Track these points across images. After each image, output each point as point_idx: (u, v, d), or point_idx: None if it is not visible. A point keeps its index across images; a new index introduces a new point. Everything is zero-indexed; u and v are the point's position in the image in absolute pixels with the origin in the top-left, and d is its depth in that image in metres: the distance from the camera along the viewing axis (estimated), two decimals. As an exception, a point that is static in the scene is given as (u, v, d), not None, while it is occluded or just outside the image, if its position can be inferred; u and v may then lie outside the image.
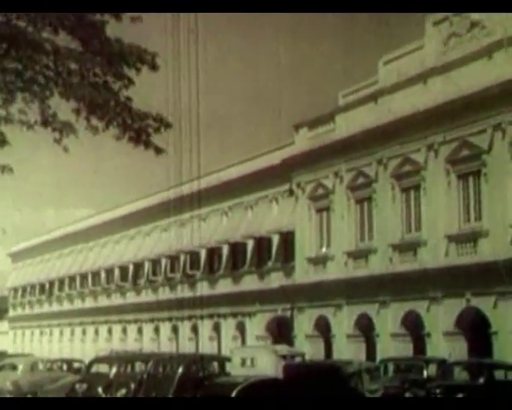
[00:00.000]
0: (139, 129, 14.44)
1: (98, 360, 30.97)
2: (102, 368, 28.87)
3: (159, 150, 14.73)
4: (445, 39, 29.69)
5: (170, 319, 46.35)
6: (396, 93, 31.57)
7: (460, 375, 24.64)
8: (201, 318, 43.54)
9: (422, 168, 30.40)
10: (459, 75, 28.76)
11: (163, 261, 47.75)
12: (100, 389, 26.00)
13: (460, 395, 21.81)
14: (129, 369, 28.40)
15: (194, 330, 44.45)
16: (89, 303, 56.50)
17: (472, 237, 28.36)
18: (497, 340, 27.02)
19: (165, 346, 45.54)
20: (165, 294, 47.41)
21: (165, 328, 46.94)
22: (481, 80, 27.53)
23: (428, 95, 30.02)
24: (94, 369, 29.34)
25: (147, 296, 49.36)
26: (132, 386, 25.71)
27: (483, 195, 28.13)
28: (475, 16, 28.43)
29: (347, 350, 32.61)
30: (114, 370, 27.39)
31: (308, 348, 34.32)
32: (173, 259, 46.75)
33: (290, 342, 35.07)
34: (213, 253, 43.63)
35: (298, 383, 20.86)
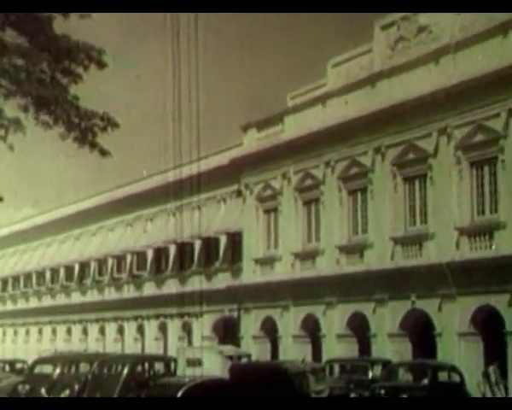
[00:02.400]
0: (85, 128, 14.30)
1: (42, 360, 30.56)
2: (46, 369, 28.50)
3: (104, 152, 14.61)
4: (393, 43, 30.00)
5: (115, 320, 46.01)
6: (344, 96, 31.78)
7: (404, 376, 24.88)
8: (148, 318, 43.31)
9: (369, 171, 30.66)
10: (406, 79, 29.08)
11: (109, 261, 47.35)
12: (43, 390, 25.68)
13: (404, 396, 22.01)
14: (73, 370, 28.08)
15: (140, 330, 44.19)
16: (33, 303, 55.74)
17: (417, 240, 28.68)
18: (441, 342, 27.36)
19: (111, 346, 45.15)
20: (111, 294, 47.02)
21: (111, 328, 46.54)
22: (428, 85, 27.88)
23: (376, 98, 30.28)
24: (37, 370, 28.95)
25: (92, 297, 48.88)
26: (76, 387, 25.45)
27: (429, 198, 28.48)
28: (423, 21, 28.78)
29: (293, 351, 32.71)
30: (58, 370, 27.07)
31: (254, 348, 34.36)
32: (120, 259, 46.40)
33: (237, 343, 35.06)
34: (160, 253, 43.40)
35: (244, 383, 20.84)
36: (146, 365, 27.22)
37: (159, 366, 27.90)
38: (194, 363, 26.11)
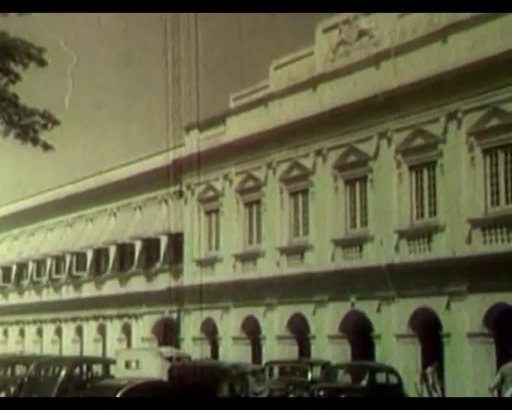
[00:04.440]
0: (26, 126, 14.13)
1: (-23, 362, 29.98)
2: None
3: (47, 147, 14.44)
4: (334, 47, 30.20)
5: (54, 321, 45.44)
6: (286, 98, 31.89)
7: (343, 377, 25.05)
8: (87, 319, 42.88)
9: (310, 173, 30.81)
10: (347, 82, 29.30)
11: (48, 262, 46.73)
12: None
13: (343, 397, 22.15)
14: (9, 372, 27.62)
15: (79, 332, 43.72)
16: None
17: (357, 242, 28.91)
18: (380, 343, 27.62)
19: (48, 348, 44.59)
20: (49, 295, 46.42)
21: (49, 330, 45.96)
22: (368, 88, 28.13)
23: (317, 101, 30.46)
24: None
25: (30, 298, 48.18)
26: (12, 389, 25.02)
27: (369, 200, 28.73)
28: (364, 25, 29.04)
29: (234, 352, 32.70)
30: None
31: (195, 350, 34.22)
32: (59, 259, 45.85)
33: (177, 345, 34.88)
34: (100, 254, 43.01)
35: (183, 385, 20.74)
36: (84, 367, 26.94)
37: (97, 368, 27.62)
38: (133, 365, 25.88)
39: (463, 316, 25.16)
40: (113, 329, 40.91)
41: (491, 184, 25.09)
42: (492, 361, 24.49)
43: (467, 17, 25.43)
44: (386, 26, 28.26)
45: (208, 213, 35.89)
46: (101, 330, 42.06)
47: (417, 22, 27.27)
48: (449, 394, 24.95)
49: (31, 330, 47.66)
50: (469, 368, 24.87)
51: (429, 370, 25.34)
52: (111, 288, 41.50)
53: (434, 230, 26.34)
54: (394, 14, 27.98)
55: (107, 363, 28.42)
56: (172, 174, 37.17)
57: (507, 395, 21.18)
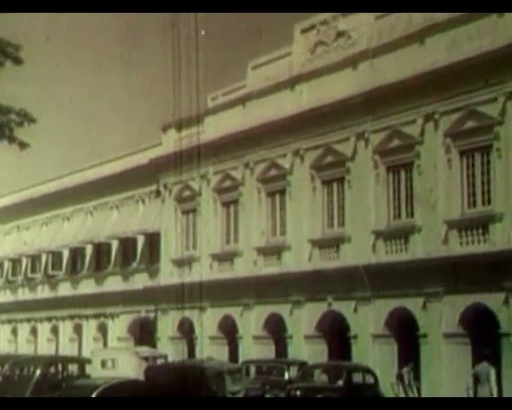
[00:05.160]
0: (2, 124, 14.05)
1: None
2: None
3: (23, 145, 14.35)
4: (312, 47, 30.24)
5: (29, 321, 45.15)
6: (264, 98, 31.89)
7: (320, 377, 25.09)
8: (63, 319, 42.65)
9: (288, 173, 30.83)
10: (325, 83, 29.35)
11: (24, 261, 46.43)
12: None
13: (319, 397, 22.19)
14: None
15: (55, 331, 43.48)
16: None
17: (335, 243, 28.96)
18: (356, 344, 27.69)
19: (24, 348, 44.30)
20: (24, 294, 46.12)
21: (24, 329, 45.64)
22: (346, 89, 28.18)
23: (295, 101, 30.48)
24: None
25: (5, 297, 47.82)
26: (-14, 389, 24.82)
27: (346, 201, 28.79)
28: (341, 26, 29.11)
29: (210, 352, 32.61)
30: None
31: (171, 349, 34.16)
32: (35, 258, 45.57)
33: (153, 344, 34.80)
34: (76, 253, 42.81)
35: (159, 384, 20.68)
36: (59, 366, 26.80)
37: (72, 368, 27.50)
38: (109, 364, 25.78)
39: (439, 316, 25.28)
40: (89, 328, 40.72)
41: (467, 185, 25.23)
42: (468, 361, 24.63)
43: (444, 19, 25.57)
44: (364, 28, 28.35)
45: (185, 212, 35.82)
46: (77, 330, 41.85)
47: (395, 24, 27.38)
48: (425, 394, 25.07)
49: (5, 330, 47.31)
50: (445, 368, 24.99)
51: (405, 370, 25.46)
52: (87, 287, 41.31)
53: (411, 230, 26.45)
54: (372, 16, 28.09)
55: (82, 362, 28.32)
56: (149, 174, 37.07)
57: (482, 394, 21.37)
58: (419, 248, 26.11)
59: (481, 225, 24.53)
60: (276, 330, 30.84)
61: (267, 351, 30.93)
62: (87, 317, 40.87)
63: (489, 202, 24.61)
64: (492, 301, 23.82)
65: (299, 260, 29.99)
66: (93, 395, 18.74)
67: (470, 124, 25.04)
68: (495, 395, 21.08)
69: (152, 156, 37.24)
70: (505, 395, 22.69)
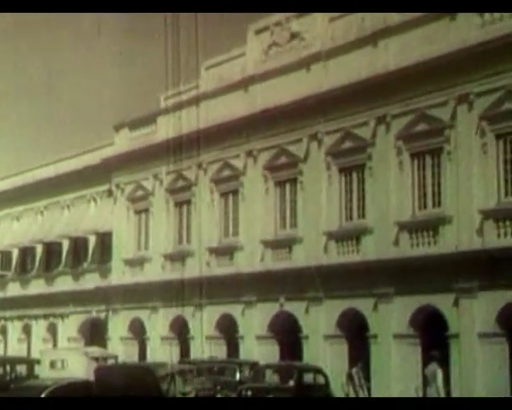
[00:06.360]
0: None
1: None
2: None
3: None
4: (266, 48, 30.30)
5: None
6: (217, 98, 31.87)
7: (271, 377, 25.12)
8: (11, 319, 42.12)
9: (241, 174, 30.85)
10: (278, 84, 29.42)
11: (-28, 261, 45.74)
12: None
13: (270, 397, 22.22)
14: None
15: (3, 331, 42.91)
16: None
17: (287, 243, 29.05)
18: (308, 344, 27.80)
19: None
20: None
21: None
22: (299, 91, 28.28)
23: (248, 102, 30.51)
24: None
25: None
26: None
27: (299, 202, 28.90)
28: (295, 27, 29.21)
29: (162, 352, 32.50)
30: None
31: (122, 350, 33.96)
32: (-17, 258, 44.92)
33: (104, 345, 34.55)
34: (26, 252, 42.31)
35: (109, 385, 20.52)
36: (7, 367, 26.46)
37: (21, 369, 27.18)
38: (59, 365, 25.54)
39: (390, 317, 25.49)
40: (39, 329, 40.29)
41: (418, 187, 25.49)
42: (417, 362, 24.88)
43: (397, 22, 25.81)
44: (318, 30, 28.49)
45: (138, 212, 35.63)
46: (26, 330, 41.36)
47: (348, 26, 27.56)
48: (375, 394, 25.26)
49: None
50: (395, 369, 25.21)
51: (355, 370, 25.61)
52: (37, 287, 40.86)
53: (363, 232, 26.63)
54: (326, 18, 28.24)
55: (31, 363, 28.03)
56: (102, 173, 36.81)
57: (430, 395, 21.64)
58: (370, 250, 26.30)
59: (432, 227, 24.79)
60: (227, 330, 30.83)
61: (219, 351, 30.90)
62: (36, 317, 40.43)
63: (439, 205, 24.89)
64: (442, 302, 24.11)
65: (251, 260, 30.02)
66: (42, 396, 18.54)
67: (421, 127, 25.30)
68: (442, 396, 21.32)
69: (104, 156, 36.99)
70: (454, 395, 23.01)
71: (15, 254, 42.74)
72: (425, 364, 23.48)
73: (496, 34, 23.12)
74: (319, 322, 27.52)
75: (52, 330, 39.71)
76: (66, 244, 39.37)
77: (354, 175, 27.33)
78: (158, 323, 33.45)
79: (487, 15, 23.67)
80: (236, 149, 30.90)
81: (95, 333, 37.31)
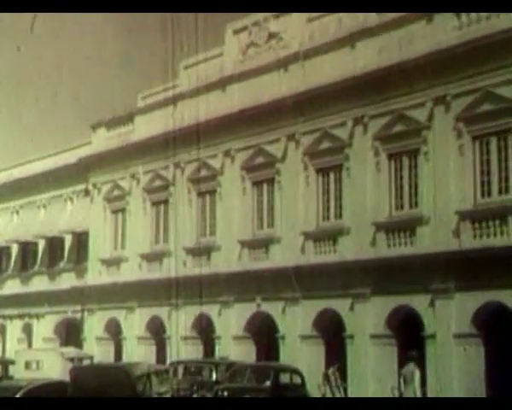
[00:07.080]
0: None
1: None
2: None
3: None
4: (244, 48, 30.29)
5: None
6: (195, 98, 31.77)
7: (248, 378, 25.06)
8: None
9: (219, 174, 30.81)
10: (256, 84, 29.41)
11: None
12: None
13: (246, 397, 22.19)
14: None
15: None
16: None
17: (264, 243, 29.02)
18: (284, 344, 27.80)
19: None
20: None
21: None
22: (277, 91, 28.29)
23: (226, 102, 30.47)
24: None
25: None
26: None
27: (276, 202, 28.88)
28: (273, 28, 29.22)
29: (138, 353, 32.39)
30: None
31: (98, 350, 33.80)
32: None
33: (79, 345, 34.37)
34: (1, 252, 42.00)
35: (85, 385, 20.41)
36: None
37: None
38: (34, 366, 25.37)
39: (367, 318, 25.53)
40: (14, 329, 40.00)
41: (395, 188, 25.56)
42: (394, 362, 24.95)
43: (374, 24, 25.88)
44: (296, 30, 28.50)
45: (114, 212, 35.47)
46: (1, 330, 41.05)
47: (326, 27, 27.60)
48: (351, 394, 25.30)
49: None
50: (372, 369, 25.25)
51: (331, 370, 25.64)
52: (12, 287, 40.58)
53: (340, 232, 26.66)
54: (304, 18, 28.26)
55: (6, 364, 27.83)
56: (78, 172, 36.63)
57: (406, 395, 21.70)
58: (347, 250, 26.33)
59: (408, 227, 24.87)
60: (204, 330, 30.75)
61: (195, 351, 30.83)
62: (11, 317, 40.15)
63: (416, 205, 24.97)
64: (418, 303, 24.18)
65: (228, 260, 29.97)
66: (17, 397, 18.39)
67: (399, 128, 25.38)
68: (418, 396, 21.39)
69: (81, 155, 36.80)
70: (429, 395, 23.09)
71: (-10, 253, 42.40)
72: (401, 364, 23.57)
73: (473, 36, 23.23)
74: (296, 322, 27.51)
75: (27, 330, 39.44)
76: (42, 244, 39.13)
77: (331, 175, 27.36)
78: (134, 323, 33.31)
79: (464, 17, 23.79)
80: (214, 148, 30.84)
81: (70, 333, 37.11)
